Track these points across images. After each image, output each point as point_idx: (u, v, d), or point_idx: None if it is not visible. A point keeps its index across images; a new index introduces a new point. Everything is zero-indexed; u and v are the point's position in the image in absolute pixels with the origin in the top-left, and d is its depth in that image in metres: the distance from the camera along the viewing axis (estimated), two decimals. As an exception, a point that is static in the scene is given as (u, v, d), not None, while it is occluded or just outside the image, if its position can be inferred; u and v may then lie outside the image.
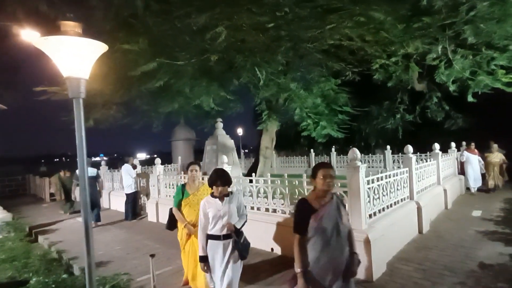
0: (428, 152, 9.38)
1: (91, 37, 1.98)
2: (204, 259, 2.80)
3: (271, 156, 9.77)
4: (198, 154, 13.33)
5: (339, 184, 4.62)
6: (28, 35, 7.49)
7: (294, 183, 5.14)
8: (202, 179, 4.17)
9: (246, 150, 32.50)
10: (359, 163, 4.20)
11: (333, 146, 15.02)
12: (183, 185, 3.76)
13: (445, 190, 7.96)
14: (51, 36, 1.84)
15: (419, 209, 5.87)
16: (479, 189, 9.72)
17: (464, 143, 10.50)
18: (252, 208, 5.63)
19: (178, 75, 5.61)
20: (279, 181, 5.38)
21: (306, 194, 4.89)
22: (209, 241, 2.79)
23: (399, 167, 5.92)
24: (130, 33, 4.99)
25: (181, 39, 4.88)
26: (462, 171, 9.94)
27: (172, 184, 7.69)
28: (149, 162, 13.65)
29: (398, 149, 13.00)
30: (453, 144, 9.73)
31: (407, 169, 6.02)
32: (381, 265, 4.19)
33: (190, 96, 6.31)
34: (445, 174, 8.65)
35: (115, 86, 6.90)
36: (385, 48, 5.47)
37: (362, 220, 4.17)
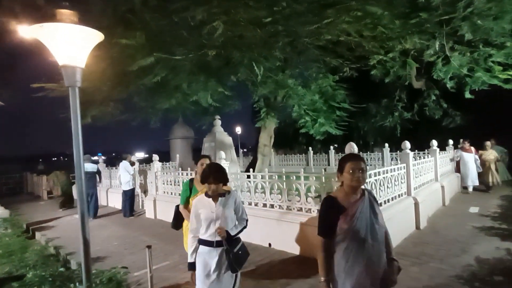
0: (426, 150, 9.36)
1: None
2: (192, 267, 2.44)
3: (269, 154, 9.77)
4: (196, 153, 13.34)
5: (336, 179, 4.63)
6: (26, 31, 7.46)
7: (291, 178, 5.15)
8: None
9: (245, 150, 32.50)
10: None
11: (332, 145, 15.03)
12: (191, 180, 3.40)
13: (442, 187, 7.99)
14: (46, 23, 1.84)
15: (416, 205, 5.89)
16: (475, 188, 9.51)
17: (461, 140, 10.35)
18: (250, 203, 5.64)
19: (176, 71, 5.60)
20: (276, 176, 5.40)
21: (303, 189, 4.94)
22: (200, 247, 2.43)
23: (397, 164, 5.93)
24: (128, 28, 4.97)
25: (178, 34, 4.87)
26: (458, 169, 9.80)
27: (170, 181, 7.69)
28: (147, 161, 13.64)
29: (396, 147, 13.02)
30: (450, 142, 9.76)
31: (405, 165, 6.04)
32: (378, 259, 4.21)
33: (188, 92, 6.30)
34: (442, 171, 8.67)
35: (113, 83, 6.88)
36: (382, 44, 5.48)
37: (359, 215, 4.18)
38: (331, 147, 14.73)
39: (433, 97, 10.13)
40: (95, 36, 2.05)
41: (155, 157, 7.87)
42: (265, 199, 5.46)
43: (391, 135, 13.01)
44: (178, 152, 14.02)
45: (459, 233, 5.57)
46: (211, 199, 2.43)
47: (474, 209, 7.42)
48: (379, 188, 4.97)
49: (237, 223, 2.53)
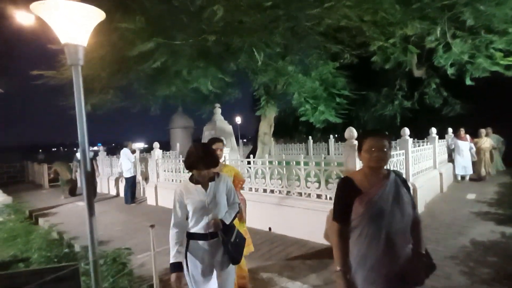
0: (426, 138, 9.38)
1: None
2: (177, 268, 2.01)
3: (269, 142, 9.82)
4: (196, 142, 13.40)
5: (335, 164, 4.70)
6: (24, 17, 7.40)
7: (291, 163, 5.21)
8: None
9: (245, 140, 32.52)
10: (355, 142, 4.25)
11: (331, 134, 15.06)
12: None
13: (440, 174, 8.07)
14: (48, 0, 1.84)
15: (414, 191, 5.97)
16: (470, 178, 9.29)
17: (460, 129, 10.28)
18: (250, 189, 5.73)
19: (176, 56, 5.57)
20: (276, 162, 5.46)
21: (303, 174, 5.00)
22: (191, 242, 2.09)
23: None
24: (127, 13, 4.94)
25: (178, 19, 4.83)
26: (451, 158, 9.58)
27: (171, 168, 7.75)
28: (147, 151, 13.69)
29: (396, 136, 13.04)
30: (450, 130, 9.79)
31: (403, 151, 6.10)
32: (375, 242, 4.30)
33: (188, 79, 6.28)
34: (441, 158, 8.74)
35: (112, 69, 6.87)
36: (383, 29, 5.45)
37: (358, 198, 4.25)
38: (331, 136, 14.76)
39: (434, 86, 10.10)
40: (97, 15, 2.05)
41: (156, 144, 7.91)
42: (265, 184, 5.53)
43: (391, 124, 13.02)
44: (178, 142, 14.06)
45: (456, 217, 5.66)
46: (199, 185, 2.09)
47: (471, 196, 7.51)
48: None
49: (229, 209, 2.22)
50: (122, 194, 9.95)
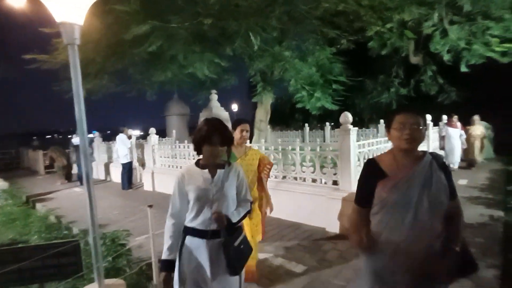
0: (420, 125, 9.43)
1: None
2: (167, 267, 1.73)
3: (265, 129, 9.84)
4: (192, 130, 13.35)
5: (330, 148, 4.77)
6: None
7: (287, 148, 5.27)
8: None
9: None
10: (350, 126, 4.31)
11: (328, 121, 15.12)
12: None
13: (434, 160, 8.22)
14: (41, -24, 1.82)
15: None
16: (459, 167, 9.21)
17: (454, 116, 10.24)
18: (247, 174, 5.80)
19: (171, 40, 5.51)
20: (272, 147, 5.51)
21: (298, 159, 5.07)
22: (187, 238, 1.75)
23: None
24: (121, -5, 4.85)
25: (173, 1, 4.76)
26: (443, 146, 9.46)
27: (168, 154, 7.79)
28: (143, 138, 13.67)
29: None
30: (444, 117, 9.87)
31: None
32: (368, 224, 4.42)
33: (184, 64, 6.22)
34: (435, 145, 8.87)
35: (107, 53, 6.78)
36: (380, 14, 5.42)
37: (351, 183, 4.34)
38: (327, 123, 14.82)
39: (430, 73, 10.10)
40: (92, -7, 2.04)
41: (152, 130, 7.91)
42: (261, 169, 5.60)
43: (386, 112, 13.10)
44: (174, 129, 14.02)
45: (447, 202, 5.81)
46: (206, 170, 1.75)
47: (463, 181, 7.67)
48: (372, 158, 5.11)
49: (237, 206, 1.83)
50: (114, 179, 10.02)
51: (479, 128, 9.42)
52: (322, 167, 4.81)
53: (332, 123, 15.71)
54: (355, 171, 4.45)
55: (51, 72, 7.78)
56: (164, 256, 1.74)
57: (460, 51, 6.92)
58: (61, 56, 6.81)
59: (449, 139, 9.09)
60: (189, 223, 1.76)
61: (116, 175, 9.36)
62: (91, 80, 7.76)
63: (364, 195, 1.56)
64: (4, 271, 1.75)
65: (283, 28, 6.62)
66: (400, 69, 11.59)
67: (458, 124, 9.14)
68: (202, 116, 9.14)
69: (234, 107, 24.39)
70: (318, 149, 4.87)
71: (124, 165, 8.39)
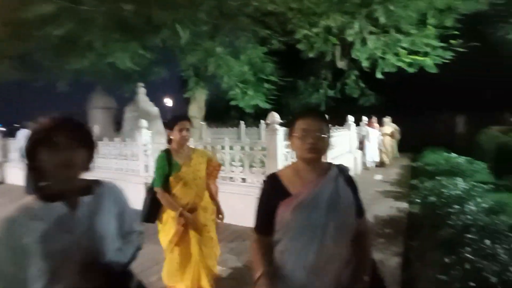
0: (344, 126, 10.24)
1: None
2: None
3: (199, 126, 9.53)
4: (118, 125, 12.18)
5: (260, 148, 4.78)
6: None
7: (216, 147, 5.12)
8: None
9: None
10: (277, 126, 4.37)
11: (263, 119, 15.43)
12: (167, 152, 2.40)
13: (355, 158, 8.99)
14: None
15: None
16: (376, 165, 9.96)
17: (373, 117, 11.00)
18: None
19: (86, 25, 4.84)
20: (202, 146, 5.29)
21: (227, 158, 4.96)
22: None
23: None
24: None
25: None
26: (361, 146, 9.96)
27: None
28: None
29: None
30: (364, 118, 10.87)
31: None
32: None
33: (103, 52, 5.56)
34: (356, 144, 9.71)
35: (5, 34, 5.68)
36: (308, 18, 5.64)
37: (279, 181, 4.41)
38: (262, 122, 15.11)
39: (353, 77, 11.02)
40: None
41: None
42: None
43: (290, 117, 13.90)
44: (98, 124, 12.64)
45: (364, 196, 6.19)
46: (59, 203, 1.08)
47: (378, 177, 8.58)
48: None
49: (121, 245, 1.22)
50: (10, 181, 8.65)
51: (389, 129, 10.50)
52: (250, 166, 4.79)
53: (268, 122, 16.12)
54: (282, 170, 4.54)
55: None
56: None
57: (376, 59, 7.66)
58: None
59: (368, 139, 9.79)
60: None
61: (16, 178, 8.02)
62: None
63: (265, 220, 1.28)
64: None
65: (215, 23, 6.42)
66: (328, 72, 12.40)
67: (376, 125, 10.09)
68: (128, 112, 8.39)
69: (168, 102, 23.19)
70: (247, 148, 4.84)
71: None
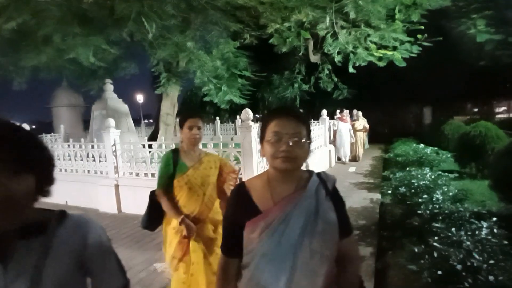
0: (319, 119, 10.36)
1: None
2: None
3: (173, 123, 9.26)
4: (86, 123, 11.60)
5: (233, 145, 4.69)
6: None
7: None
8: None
9: (151, 120, 30.27)
10: (251, 123, 4.30)
11: (238, 115, 15.33)
12: (175, 152, 2.15)
13: (330, 151, 9.15)
14: None
15: (307, 167, 6.57)
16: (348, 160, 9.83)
17: (337, 111, 10.86)
18: (146, 174, 5.28)
19: (41, 17, 4.47)
20: (174, 145, 5.12)
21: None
22: None
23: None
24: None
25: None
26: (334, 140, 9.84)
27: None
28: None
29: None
30: (337, 112, 11.07)
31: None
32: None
33: (63, 48, 5.17)
34: (329, 139, 9.88)
35: None
36: (280, 12, 5.58)
37: (254, 178, 4.37)
38: (238, 117, 15.01)
39: (326, 71, 11.16)
40: None
41: (25, 126, 6.40)
42: (162, 169, 5.16)
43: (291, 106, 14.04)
44: (63, 123, 11.96)
45: (339, 189, 6.50)
46: None
47: (352, 169, 8.79)
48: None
49: None
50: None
51: (361, 123, 10.68)
52: (225, 164, 4.70)
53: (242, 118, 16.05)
54: (258, 167, 4.49)
55: None
56: None
57: (348, 54, 7.77)
58: None
59: (340, 133, 9.56)
60: None
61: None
62: None
63: (231, 240, 1.08)
64: None
65: (184, 17, 6.19)
66: (302, 66, 12.49)
67: (348, 119, 10.13)
68: (95, 109, 7.96)
69: (140, 98, 22.40)
70: (221, 145, 4.74)
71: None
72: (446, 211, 3.40)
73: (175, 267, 2.08)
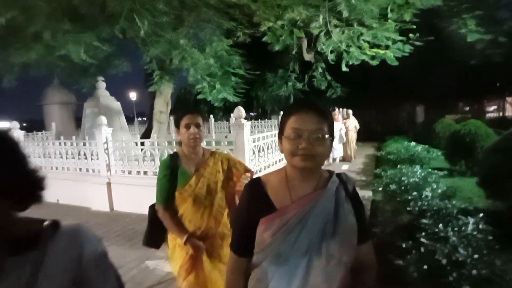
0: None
1: None
2: None
3: (166, 121, 9.23)
4: (78, 121, 11.48)
5: (225, 143, 4.71)
6: None
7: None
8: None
9: (144, 118, 30.03)
10: (243, 121, 4.32)
11: (232, 113, 15.34)
12: (173, 157, 1.85)
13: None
14: None
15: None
16: (339, 160, 9.51)
17: (336, 109, 10.54)
18: (138, 172, 5.26)
19: (30, 13, 4.41)
20: (166, 143, 5.13)
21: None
22: None
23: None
24: None
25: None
26: None
27: (39, 153, 6.41)
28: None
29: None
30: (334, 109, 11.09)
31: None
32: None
33: (53, 44, 5.10)
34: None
35: None
36: (273, 10, 5.59)
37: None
38: (232, 115, 15.02)
39: (320, 70, 11.20)
40: None
41: (14, 124, 6.26)
42: (155, 167, 5.15)
43: (286, 104, 14.05)
44: (55, 120, 11.82)
45: (331, 186, 6.56)
46: None
47: (345, 166, 8.87)
48: (267, 151, 5.30)
49: None
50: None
51: (352, 122, 10.27)
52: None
53: (234, 116, 16.05)
54: (250, 165, 4.51)
55: None
56: None
57: (341, 52, 7.82)
58: None
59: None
60: None
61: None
62: None
63: (242, 237, 1.04)
64: None
65: (177, 14, 6.16)
66: (296, 65, 12.51)
67: (339, 117, 9.88)
68: (87, 107, 7.88)
69: (133, 96, 22.21)
70: (213, 143, 4.75)
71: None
72: (435, 208, 3.46)
73: (184, 279, 1.79)
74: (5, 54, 5.63)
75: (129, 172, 5.37)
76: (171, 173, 1.79)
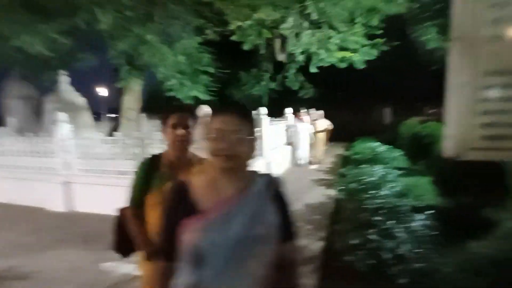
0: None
1: None
2: None
3: (136, 118, 8.95)
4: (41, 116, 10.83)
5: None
6: None
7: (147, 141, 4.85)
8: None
9: (117, 115, 28.93)
10: (208, 119, 4.29)
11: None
12: (153, 159, 1.67)
13: (292, 150, 9.36)
14: None
15: (268, 164, 6.69)
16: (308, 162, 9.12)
17: (301, 110, 9.87)
18: (103, 171, 5.08)
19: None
20: (132, 141, 4.98)
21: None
22: None
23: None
24: None
25: None
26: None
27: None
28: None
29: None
30: (301, 110, 11.24)
31: (260, 128, 6.69)
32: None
33: (7, 35, 4.78)
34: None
35: None
36: (241, 9, 5.60)
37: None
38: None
39: (292, 70, 11.35)
40: None
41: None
42: (119, 166, 4.99)
43: (259, 103, 14.11)
44: (16, 115, 11.08)
45: (299, 186, 6.68)
46: None
47: (314, 166, 9.07)
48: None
49: None
50: None
51: (323, 124, 9.77)
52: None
53: (199, 115, 15.88)
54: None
55: None
56: None
57: (311, 54, 8.00)
58: None
59: (296, 133, 8.84)
60: None
61: None
62: None
63: (167, 240, 1.01)
64: None
65: (147, 9, 6.00)
66: (269, 64, 12.61)
67: (306, 118, 9.21)
68: (49, 103, 7.49)
69: (103, 91, 21.31)
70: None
71: None
72: (389, 206, 3.63)
73: None
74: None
75: (92, 171, 5.17)
76: (148, 175, 1.62)
